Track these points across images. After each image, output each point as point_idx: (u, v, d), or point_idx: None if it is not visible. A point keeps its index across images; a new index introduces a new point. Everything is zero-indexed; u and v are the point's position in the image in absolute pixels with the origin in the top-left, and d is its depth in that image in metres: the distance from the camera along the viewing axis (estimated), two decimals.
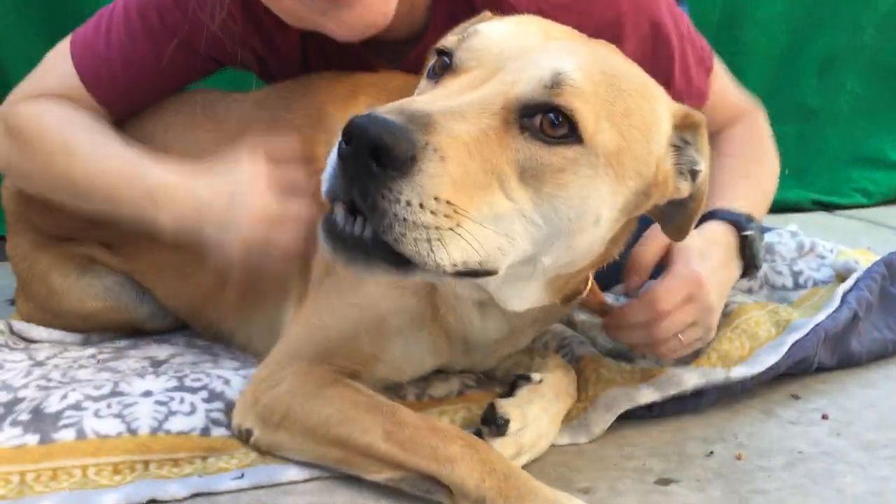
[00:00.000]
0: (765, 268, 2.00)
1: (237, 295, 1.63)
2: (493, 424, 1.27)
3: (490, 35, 1.03)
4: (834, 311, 1.63)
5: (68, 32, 1.67)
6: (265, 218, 1.36)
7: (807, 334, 1.55)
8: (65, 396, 1.33)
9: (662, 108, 1.10)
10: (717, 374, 1.45)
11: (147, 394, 1.36)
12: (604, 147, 1.00)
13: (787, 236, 2.22)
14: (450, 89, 0.98)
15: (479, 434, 1.26)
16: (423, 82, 1.12)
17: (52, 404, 1.31)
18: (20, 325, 1.75)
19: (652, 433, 1.40)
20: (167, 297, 1.76)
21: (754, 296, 1.85)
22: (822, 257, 2.11)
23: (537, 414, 1.32)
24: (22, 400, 1.36)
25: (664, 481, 1.25)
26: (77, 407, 1.31)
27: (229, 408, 1.36)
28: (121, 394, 1.35)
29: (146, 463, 1.24)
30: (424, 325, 1.33)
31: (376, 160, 0.86)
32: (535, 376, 1.39)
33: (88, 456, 1.23)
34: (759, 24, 3.55)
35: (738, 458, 1.31)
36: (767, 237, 2.22)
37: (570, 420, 1.40)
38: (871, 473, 1.26)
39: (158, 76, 1.61)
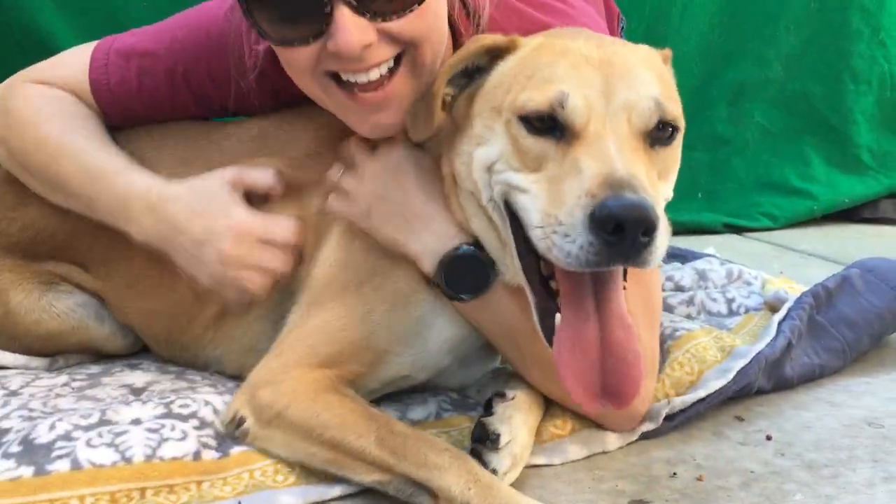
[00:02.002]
0: (701, 294, 2.16)
1: (213, 316, 1.66)
2: (486, 440, 1.37)
3: (581, 93, 1.24)
4: (772, 340, 1.77)
5: None
6: (234, 262, 1.47)
7: (750, 361, 1.69)
8: (53, 427, 1.33)
9: None
10: (675, 403, 1.57)
11: (136, 422, 1.37)
12: (681, 123, 1.32)
13: (716, 263, 2.38)
14: (601, 145, 1.20)
15: (473, 453, 1.36)
16: (531, 139, 1.26)
17: (42, 434, 1.31)
18: None
19: (617, 455, 1.51)
20: (139, 318, 1.76)
21: (695, 322, 1.98)
22: (749, 283, 2.28)
23: (519, 426, 1.43)
24: (7, 431, 1.35)
25: (637, 502, 1.35)
26: (68, 437, 1.31)
27: (219, 435, 1.39)
28: (109, 422, 1.36)
29: (143, 490, 1.26)
30: (443, 314, 1.47)
31: (645, 234, 1.11)
32: (509, 393, 1.50)
33: (84, 486, 1.25)
34: (675, 58, 3.74)
35: (699, 479, 1.43)
36: (698, 264, 2.39)
37: (544, 442, 1.49)
38: (817, 492, 1.39)
39: (165, 112, 1.68)
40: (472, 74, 1.40)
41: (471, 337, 1.51)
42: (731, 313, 2.11)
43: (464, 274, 1.41)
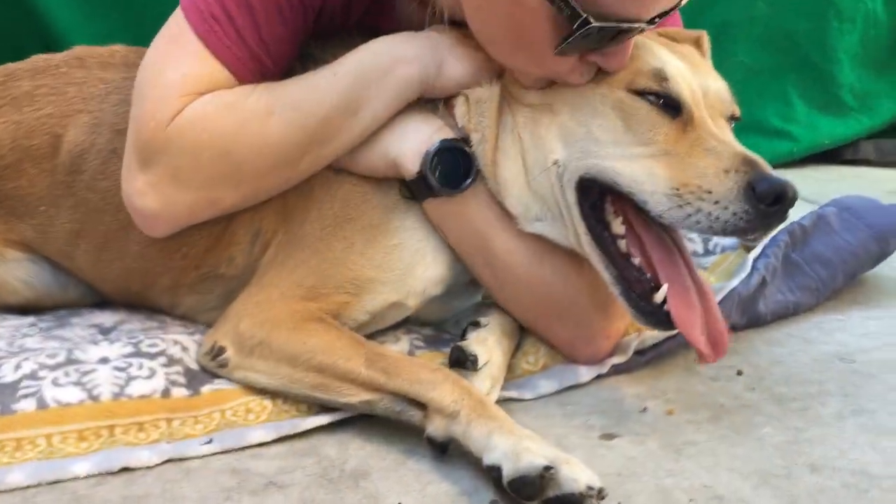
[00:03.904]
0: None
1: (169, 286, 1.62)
2: (466, 362, 1.40)
3: (684, 80, 1.35)
4: (746, 276, 1.78)
5: None
6: None
7: (723, 298, 1.69)
8: (19, 366, 1.32)
9: None
10: (646, 337, 1.58)
11: (104, 360, 1.36)
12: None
13: None
14: (712, 127, 1.33)
15: None
16: (649, 111, 1.33)
17: (7, 374, 1.30)
18: None
19: (590, 391, 1.52)
20: (87, 271, 1.69)
21: None
22: None
23: (494, 347, 1.46)
24: None
25: (607, 436, 1.36)
26: (33, 376, 1.30)
27: (189, 373, 1.38)
28: (77, 361, 1.36)
29: (111, 428, 1.26)
30: (425, 239, 1.48)
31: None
32: (483, 320, 1.53)
33: (51, 424, 1.24)
34: None
35: (669, 413, 1.44)
36: None
37: (517, 378, 1.50)
38: (785, 424, 1.40)
39: (288, 40, 1.46)
40: None
41: (454, 264, 1.51)
42: (707, 252, 2.10)
43: (448, 164, 1.43)
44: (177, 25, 1.41)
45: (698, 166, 1.28)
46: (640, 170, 1.31)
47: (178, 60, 1.39)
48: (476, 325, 1.51)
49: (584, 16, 1.22)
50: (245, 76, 1.42)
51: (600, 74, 1.37)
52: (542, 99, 1.42)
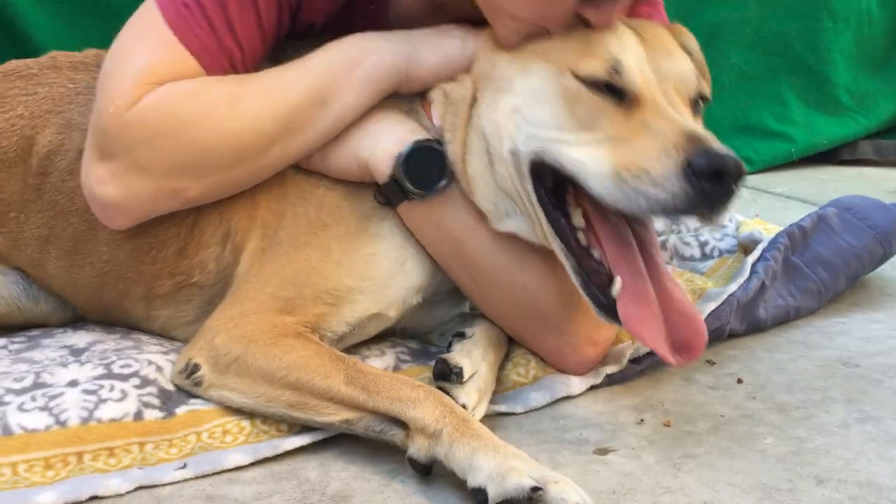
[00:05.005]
0: (673, 239, 2.09)
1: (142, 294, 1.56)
2: (450, 375, 1.34)
3: (636, 62, 1.29)
4: (744, 281, 1.72)
5: None
6: None
7: (721, 304, 1.64)
8: None
9: None
10: (641, 345, 1.52)
11: (73, 383, 1.30)
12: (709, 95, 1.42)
13: None
14: (664, 108, 1.24)
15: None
16: (591, 96, 1.27)
17: None
18: None
19: (583, 404, 1.45)
20: (59, 279, 1.61)
21: (667, 267, 1.92)
22: (723, 226, 2.22)
23: (479, 360, 1.40)
24: None
25: (602, 451, 1.29)
26: None
27: (163, 394, 1.32)
28: (44, 385, 1.29)
29: (80, 455, 1.19)
30: (403, 246, 1.44)
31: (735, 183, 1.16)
32: (468, 331, 1.47)
33: (17, 452, 1.17)
34: None
35: (667, 424, 1.38)
36: None
37: (506, 390, 1.44)
38: (788, 434, 1.34)
39: (261, 38, 1.41)
40: None
41: (435, 272, 1.47)
42: (705, 257, 2.05)
43: (422, 166, 1.38)
44: (147, 13, 1.36)
45: (641, 148, 1.20)
46: (584, 154, 1.25)
47: (145, 48, 1.34)
48: (461, 336, 1.46)
49: None
50: (213, 68, 1.37)
51: (556, 52, 1.32)
52: (511, 62, 1.36)
